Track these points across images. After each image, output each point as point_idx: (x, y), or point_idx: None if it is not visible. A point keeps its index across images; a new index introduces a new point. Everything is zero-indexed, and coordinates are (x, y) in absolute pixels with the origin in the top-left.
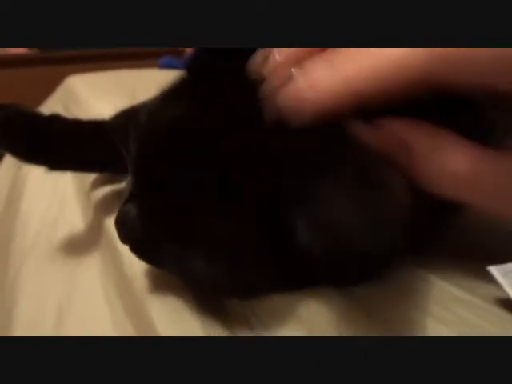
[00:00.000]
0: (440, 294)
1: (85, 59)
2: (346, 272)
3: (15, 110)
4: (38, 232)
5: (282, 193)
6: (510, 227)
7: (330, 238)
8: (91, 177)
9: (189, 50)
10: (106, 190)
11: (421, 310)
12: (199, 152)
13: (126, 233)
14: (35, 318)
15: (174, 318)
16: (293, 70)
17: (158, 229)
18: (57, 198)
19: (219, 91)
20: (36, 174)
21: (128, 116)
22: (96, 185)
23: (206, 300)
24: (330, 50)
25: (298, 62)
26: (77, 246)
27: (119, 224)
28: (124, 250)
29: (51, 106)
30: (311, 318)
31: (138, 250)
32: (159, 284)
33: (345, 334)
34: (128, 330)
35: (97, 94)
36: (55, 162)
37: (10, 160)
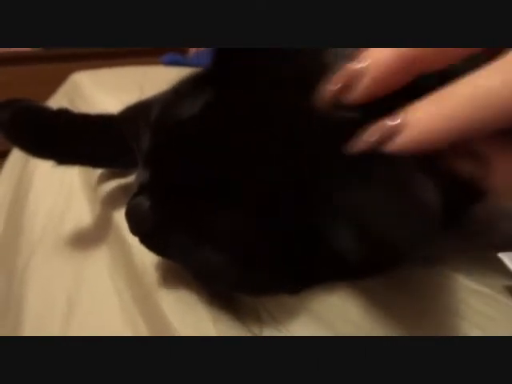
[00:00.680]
0: (454, 287)
1: (89, 56)
2: (369, 267)
3: (23, 105)
4: (46, 226)
5: (315, 197)
6: None
7: (369, 241)
8: (97, 171)
9: (192, 49)
10: (113, 184)
11: (429, 301)
12: (211, 148)
13: (136, 224)
14: (45, 309)
15: (184, 309)
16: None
17: (170, 220)
18: (64, 192)
19: (236, 90)
20: (43, 168)
21: (137, 111)
22: (102, 179)
23: (215, 292)
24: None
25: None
26: (84, 240)
27: (130, 216)
28: (134, 242)
29: (57, 102)
30: (323, 312)
31: (148, 241)
32: (170, 276)
33: (358, 327)
34: (137, 321)
35: (103, 90)
36: (63, 157)
37: (17, 154)
